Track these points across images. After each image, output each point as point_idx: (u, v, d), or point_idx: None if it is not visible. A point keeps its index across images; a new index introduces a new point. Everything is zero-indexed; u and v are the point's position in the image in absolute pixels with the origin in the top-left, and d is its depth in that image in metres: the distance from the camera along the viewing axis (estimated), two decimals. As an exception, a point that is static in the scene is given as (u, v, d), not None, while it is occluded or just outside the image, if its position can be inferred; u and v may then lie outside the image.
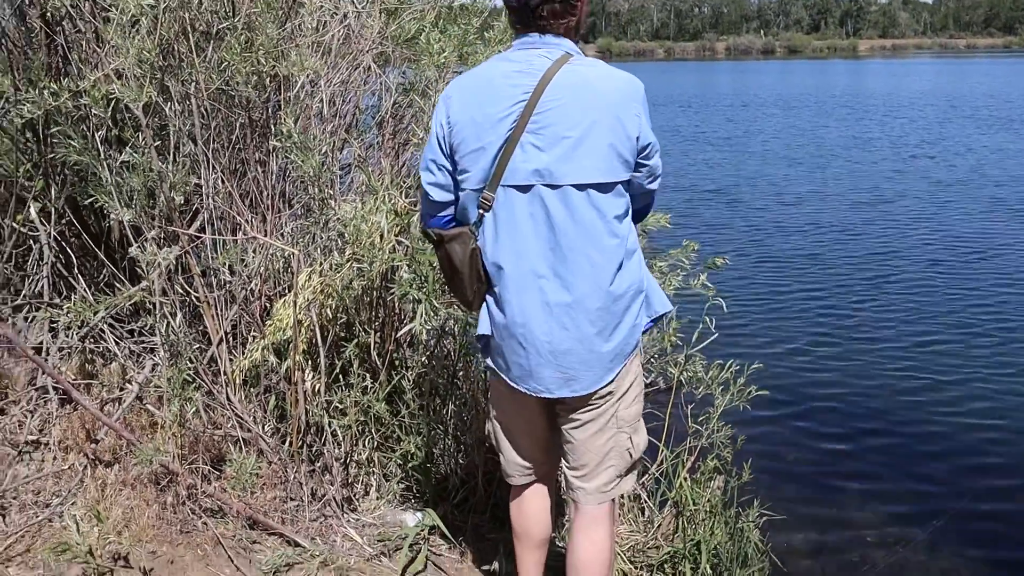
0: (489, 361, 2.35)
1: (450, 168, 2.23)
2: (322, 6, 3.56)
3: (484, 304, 2.30)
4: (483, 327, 2.30)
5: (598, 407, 2.31)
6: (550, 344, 2.20)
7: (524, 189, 2.15)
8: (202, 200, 3.31)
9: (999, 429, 4.87)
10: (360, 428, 3.14)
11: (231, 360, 3.19)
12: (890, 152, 15.61)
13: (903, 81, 36.57)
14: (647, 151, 2.22)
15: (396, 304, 3.17)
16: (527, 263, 2.18)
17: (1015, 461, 4.52)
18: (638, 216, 2.38)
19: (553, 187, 2.13)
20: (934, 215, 10.44)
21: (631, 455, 2.40)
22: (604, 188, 2.16)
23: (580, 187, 2.13)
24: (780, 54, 72.03)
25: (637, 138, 2.17)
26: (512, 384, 2.30)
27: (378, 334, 3.18)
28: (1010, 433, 4.82)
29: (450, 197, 2.26)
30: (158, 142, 3.25)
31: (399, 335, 3.17)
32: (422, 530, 3.03)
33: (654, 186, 2.34)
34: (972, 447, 4.72)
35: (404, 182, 3.36)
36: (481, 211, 2.21)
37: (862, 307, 7.04)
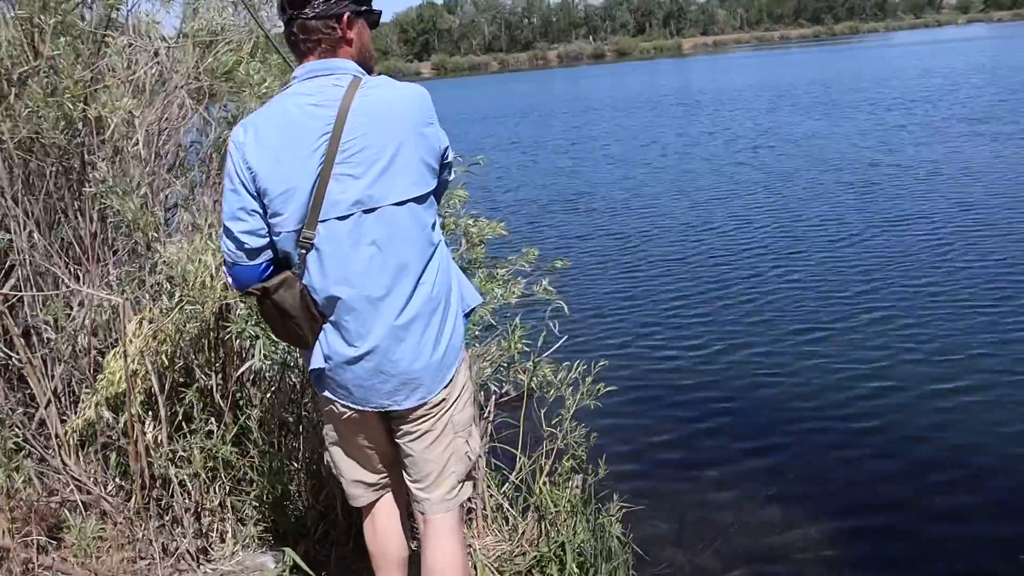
0: (327, 393, 2.32)
1: (261, 212, 2.16)
2: (130, 44, 3.45)
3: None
4: (316, 361, 2.26)
5: (435, 416, 2.33)
6: (395, 361, 2.21)
7: (343, 218, 2.14)
8: (16, 256, 3.14)
9: (834, 400, 5.15)
10: (209, 475, 3.04)
11: (63, 421, 3.04)
12: (724, 146, 16.22)
13: (728, 76, 38.31)
14: (446, 153, 2.30)
15: (233, 343, 3.09)
16: (361, 288, 2.17)
17: (854, 429, 4.80)
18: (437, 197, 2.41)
19: (372, 210, 2.15)
20: (768, 202, 10.91)
21: (469, 458, 2.44)
22: (420, 200, 2.21)
23: (399, 204, 2.16)
24: (610, 58, 74.29)
25: (439, 147, 2.26)
26: (355, 407, 2.29)
27: (219, 375, 3.09)
28: (844, 402, 5.11)
29: (265, 241, 2.20)
30: (-40, 198, 3.07)
31: (240, 373, 3.10)
32: (284, 571, 2.96)
33: (451, 177, 2.42)
34: (812, 418, 4.97)
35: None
36: (302, 251, 2.16)
37: (704, 298, 7.32)
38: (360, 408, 2.29)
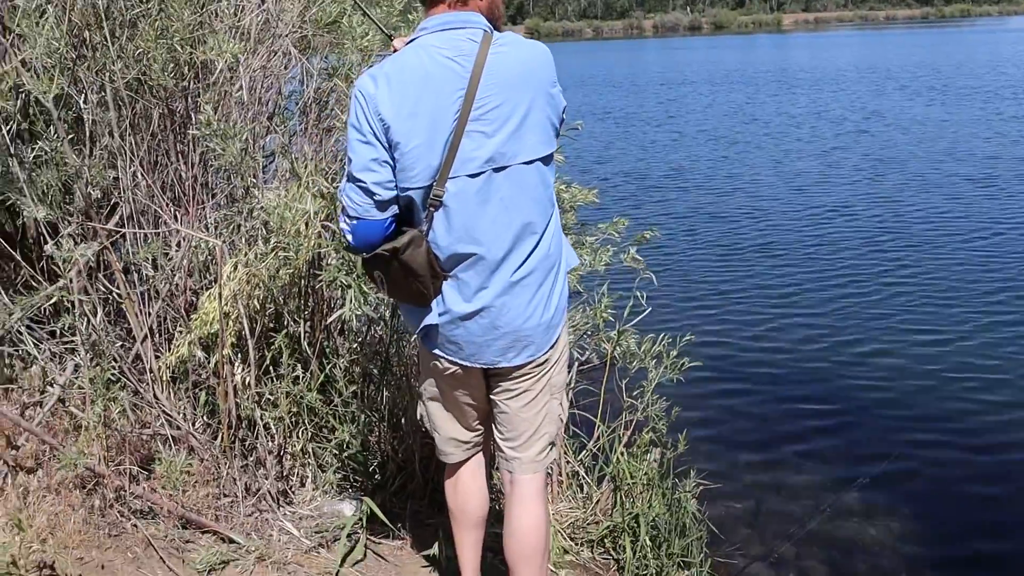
0: (436, 350, 2.30)
1: (392, 164, 2.13)
2: (239, -10, 3.48)
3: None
4: (430, 317, 2.24)
5: (536, 375, 2.33)
6: (510, 318, 2.21)
7: (474, 176, 2.13)
8: (121, 194, 3.22)
9: (930, 392, 5.00)
10: (293, 420, 3.09)
11: (157, 357, 3.12)
12: (826, 128, 15.60)
13: (830, 54, 37.11)
14: (564, 114, 2.29)
15: (324, 291, 3.12)
16: (485, 245, 2.16)
17: (945, 422, 4.65)
18: None
19: (503, 168, 2.14)
20: (870, 187, 10.53)
21: (561, 420, 2.46)
22: (546, 159, 2.21)
23: (528, 163, 2.16)
24: (706, 30, 72.64)
25: (561, 107, 2.26)
26: (463, 363, 2.29)
27: (308, 323, 3.13)
28: (941, 395, 4.95)
29: (394, 194, 2.16)
30: (72, 135, 3.15)
31: (329, 323, 3.13)
32: (360, 519, 3.00)
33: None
34: (903, 410, 4.84)
35: (329, 168, 3.32)
36: (431, 208, 2.14)
37: (794, 278, 7.16)
38: (468, 364, 2.29)
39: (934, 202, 9.56)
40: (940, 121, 15.55)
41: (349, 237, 2.21)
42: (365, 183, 2.13)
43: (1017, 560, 3.52)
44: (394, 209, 2.19)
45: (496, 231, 2.16)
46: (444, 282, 2.21)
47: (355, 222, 2.18)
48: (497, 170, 2.13)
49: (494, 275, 2.19)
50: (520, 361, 2.28)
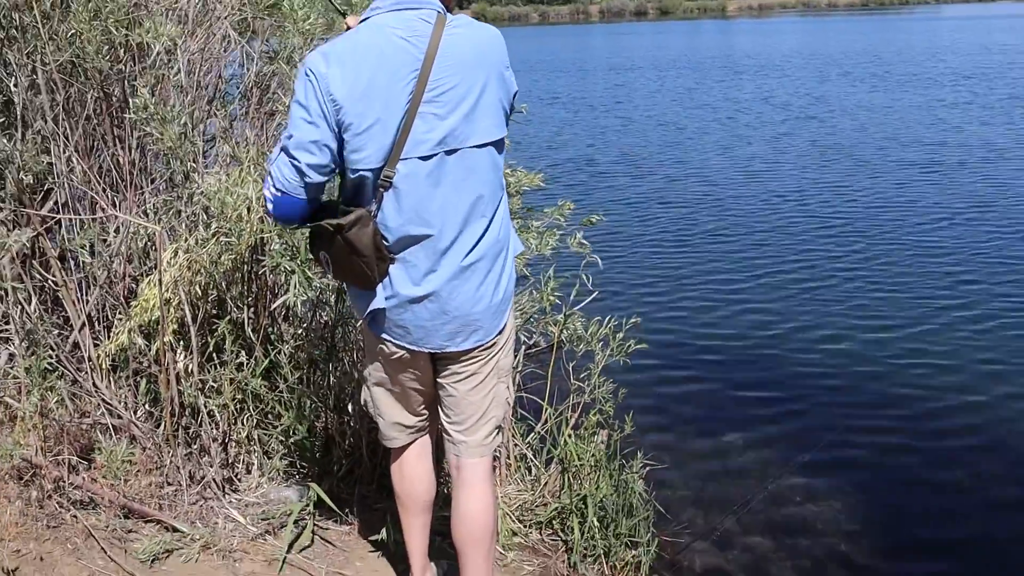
0: (383, 334, 2.29)
1: (335, 148, 2.10)
2: (176, -30, 3.41)
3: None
4: (377, 301, 2.22)
5: (483, 359, 2.33)
6: (459, 303, 2.21)
7: (425, 158, 2.11)
8: (55, 179, 3.14)
9: (875, 378, 5.09)
10: (237, 407, 3.06)
11: (96, 345, 3.06)
12: (772, 114, 15.69)
13: (774, 40, 37.46)
14: (515, 98, 2.28)
15: (268, 277, 3.09)
16: (435, 228, 2.15)
17: (889, 407, 4.74)
18: None
19: (454, 151, 2.13)
20: (818, 173, 10.58)
21: (508, 403, 2.46)
22: (497, 144, 2.21)
23: (480, 146, 2.15)
24: (652, 15, 72.74)
25: (512, 91, 2.26)
26: (410, 348, 2.28)
27: (251, 309, 3.10)
28: (886, 380, 5.04)
29: (325, 180, 2.15)
30: (3, 119, 3.07)
31: (273, 308, 3.10)
32: (307, 505, 2.98)
33: None
34: (848, 395, 4.91)
35: (271, 152, 3.27)
36: (381, 189, 2.12)
37: (743, 263, 7.23)
38: (415, 349, 2.28)
39: (881, 188, 9.66)
40: (884, 107, 15.73)
41: (270, 207, 2.18)
42: (299, 163, 2.10)
43: (956, 542, 3.59)
44: (318, 193, 2.17)
45: (446, 214, 2.15)
46: (391, 265, 2.19)
47: (279, 195, 2.15)
48: (449, 152, 2.12)
49: (443, 258, 2.18)
50: (468, 346, 2.28)
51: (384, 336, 2.29)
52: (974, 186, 9.52)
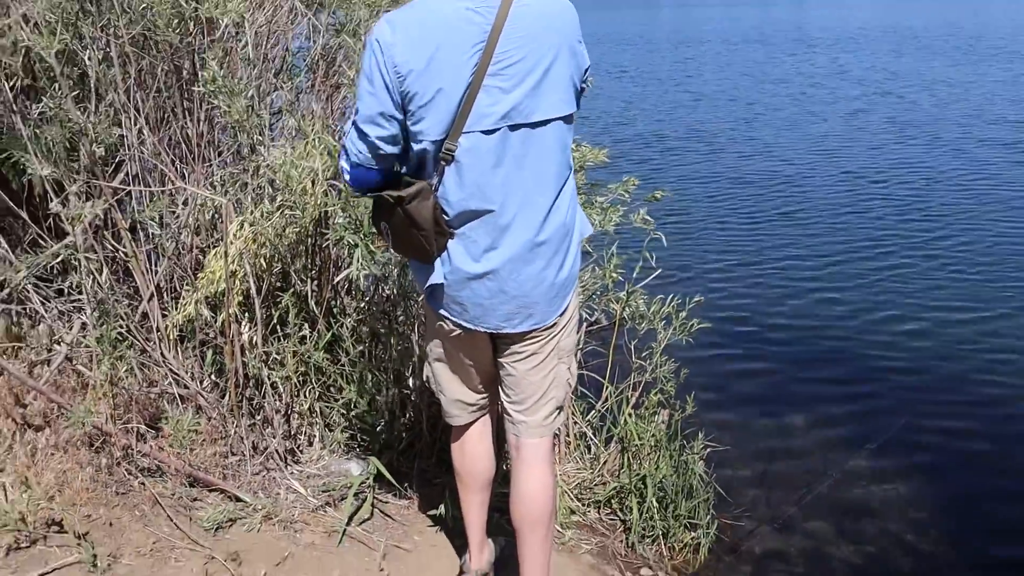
0: (441, 310, 2.27)
1: (401, 119, 2.08)
2: (243, -55, 3.42)
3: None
4: (436, 277, 2.20)
5: (543, 339, 2.29)
6: (519, 283, 2.18)
7: (490, 133, 2.06)
8: (126, 152, 3.19)
9: (947, 361, 4.95)
10: (300, 379, 3.09)
11: (164, 316, 3.12)
12: (848, 89, 15.15)
13: (848, 12, 36.38)
14: (587, 74, 2.21)
15: (331, 250, 3.10)
16: (497, 205, 2.12)
17: (954, 381, 4.63)
18: None
19: (519, 127, 2.08)
20: (894, 150, 10.24)
21: (570, 385, 2.43)
22: (566, 120, 2.15)
23: (545, 123, 2.10)
24: (723, -13, 71.51)
25: (584, 66, 2.19)
26: (468, 326, 2.26)
27: (314, 282, 3.12)
28: (958, 364, 4.90)
29: (397, 149, 2.13)
30: (76, 92, 3.12)
31: (336, 282, 3.11)
32: (367, 478, 3.01)
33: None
34: (913, 370, 4.81)
35: (336, 125, 3.28)
36: (443, 162, 2.09)
37: (811, 243, 7.06)
38: (472, 327, 2.26)
39: (962, 167, 9.25)
40: (965, 83, 15.06)
41: (347, 177, 2.20)
42: (369, 136, 2.09)
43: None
44: (393, 163, 2.17)
45: (508, 190, 2.11)
46: (450, 240, 2.16)
47: (355, 168, 2.16)
48: (513, 128, 2.07)
49: (505, 236, 2.14)
50: (524, 328, 2.25)
51: (442, 312, 2.27)
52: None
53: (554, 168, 2.14)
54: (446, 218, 2.14)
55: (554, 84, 2.08)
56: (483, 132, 2.06)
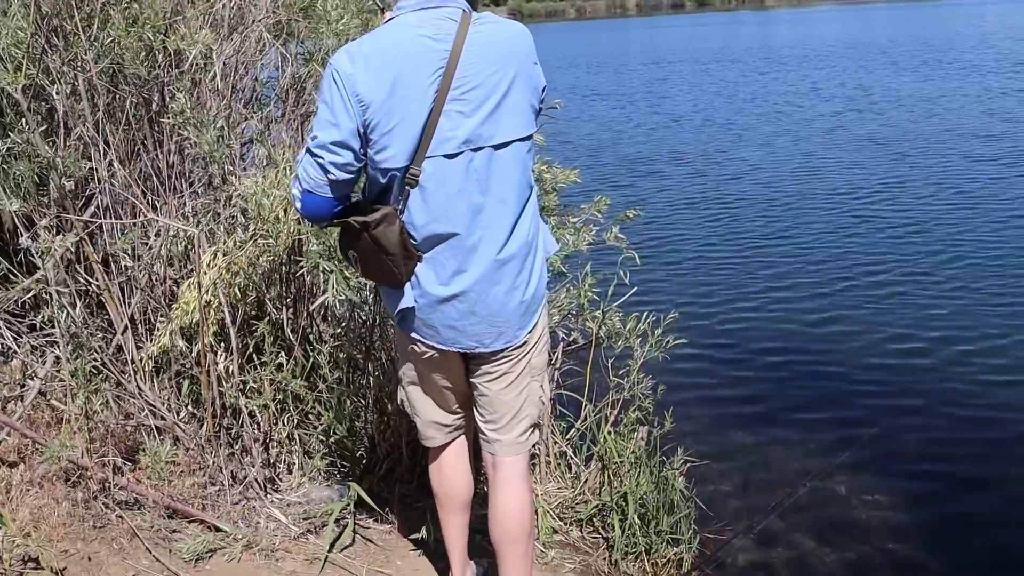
0: (414, 333, 2.29)
1: (358, 149, 2.11)
2: (210, -24, 3.44)
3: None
4: (406, 300, 2.22)
5: (514, 358, 2.31)
6: (487, 303, 2.20)
7: (451, 156, 2.10)
8: (97, 184, 3.19)
9: (917, 368, 5.01)
10: (278, 407, 3.08)
11: (139, 348, 3.10)
12: (818, 106, 15.21)
13: (814, 30, 36.78)
14: (543, 93, 2.25)
15: (306, 277, 3.11)
16: (462, 227, 2.14)
17: (928, 388, 4.69)
18: None
19: (479, 149, 2.11)
20: (867, 165, 10.30)
21: (543, 402, 2.44)
22: (524, 141, 2.18)
23: (505, 144, 2.13)
24: (690, 8, 72.05)
25: (541, 87, 2.22)
26: (440, 347, 2.27)
27: (290, 310, 3.12)
28: (929, 370, 4.97)
29: (351, 178, 2.17)
30: (45, 126, 3.12)
31: (312, 309, 3.11)
32: (348, 504, 3.00)
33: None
34: (887, 378, 4.86)
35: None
36: (407, 187, 2.12)
37: (783, 259, 7.12)
38: (444, 348, 2.27)
39: (938, 180, 9.31)
40: (937, 97, 15.15)
41: (298, 205, 2.21)
42: (324, 162, 2.11)
43: (1007, 542, 3.50)
44: (344, 191, 2.18)
45: (473, 213, 2.14)
46: (419, 264, 2.19)
47: (306, 193, 2.17)
48: (475, 150, 2.11)
49: (471, 258, 2.17)
50: (497, 347, 2.27)
51: (414, 335, 2.29)
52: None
53: (515, 188, 2.18)
54: (414, 242, 2.17)
55: (512, 107, 2.12)
56: (446, 156, 2.09)
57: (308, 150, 2.14)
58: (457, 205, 2.13)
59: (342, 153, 2.10)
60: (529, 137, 2.20)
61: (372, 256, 2.17)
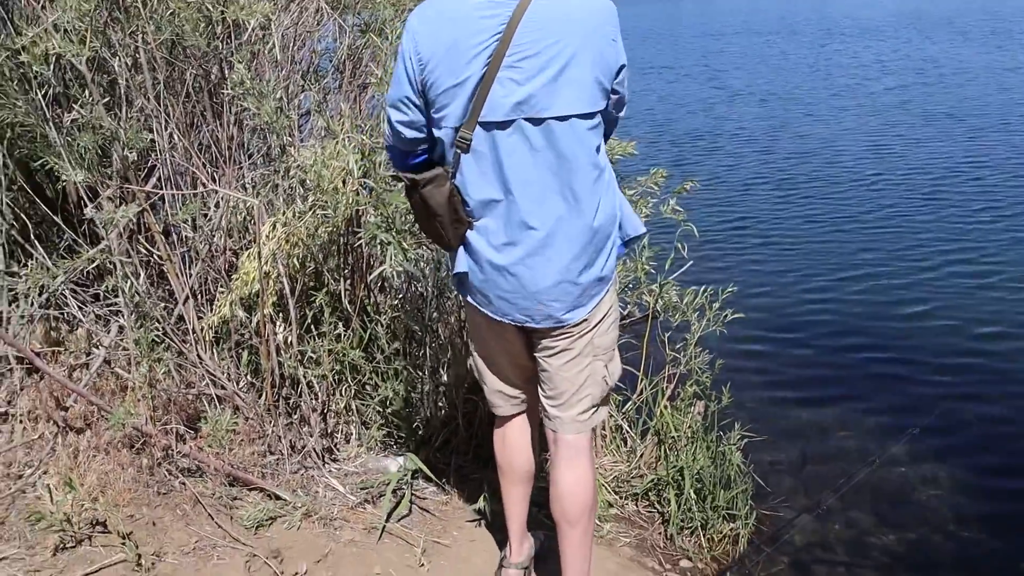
0: (469, 298, 2.30)
1: (421, 106, 2.14)
2: (267, -52, 3.44)
3: (462, 242, 2.24)
4: (460, 265, 2.24)
5: (574, 335, 2.28)
6: (535, 280, 2.17)
7: (505, 125, 2.08)
8: (158, 156, 3.22)
9: (983, 348, 4.90)
10: (336, 377, 3.10)
11: (199, 318, 3.14)
12: (880, 80, 14.69)
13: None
14: (620, 75, 2.17)
15: (364, 249, 3.11)
16: (513, 197, 2.12)
17: (992, 369, 4.59)
18: None
19: (535, 121, 2.07)
20: (936, 142, 9.97)
21: (607, 383, 2.38)
22: (585, 118, 2.11)
23: (562, 119, 2.08)
24: (745, -22, 70.64)
25: (616, 66, 2.15)
26: (493, 317, 2.27)
27: (348, 281, 3.13)
28: (995, 351, 4.86)
29: (422, 135, 2.19)
30: (107, 98, 3.16)
31: (370, 280, 3.12)
32: (405, 475, 3.01)
33: (622, 114, 2.31)
34: (951, 358, 4.76)
35: (365, 124, 3.29)
36: (458, 150, 2.12)
37: (846, 235, 6.96)
38: (498, 319, 2.26)
39: (1012, 159, 8.95)
40: (1009, 69, 14.55)
41: (386, 155, 2.34)
42: (391, 119, 2.20)
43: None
44: (423, 147, 2.24)
45: (525, 184, 2.11)
46: (472, 231, 2.18)
47: (388, 148, 2.31)
48: (531, 121, 2.07)
49: (522, 232, 2.13)
50: (545, 325, 2.23)
51: (470, 301, 2.30)
52: None
53: (575, 166, 2.12)
54: (467, 208, 2.16)
55: (572, 80, 2.07)
56: (498, 124, 2.08)
57: (387, 102, 2.23)
58: (510, 175, 2.10)
59: (405, 110, 2.16)
60: (592, 115, 2.12)
61: (422, 215, 2.22)
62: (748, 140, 10.82)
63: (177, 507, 2.80)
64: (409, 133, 2.19)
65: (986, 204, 7.42)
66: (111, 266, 3.03)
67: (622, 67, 2.16)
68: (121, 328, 3.11)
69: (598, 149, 2.17)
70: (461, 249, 2.23)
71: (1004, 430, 4.04)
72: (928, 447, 3.90)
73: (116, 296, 3.06)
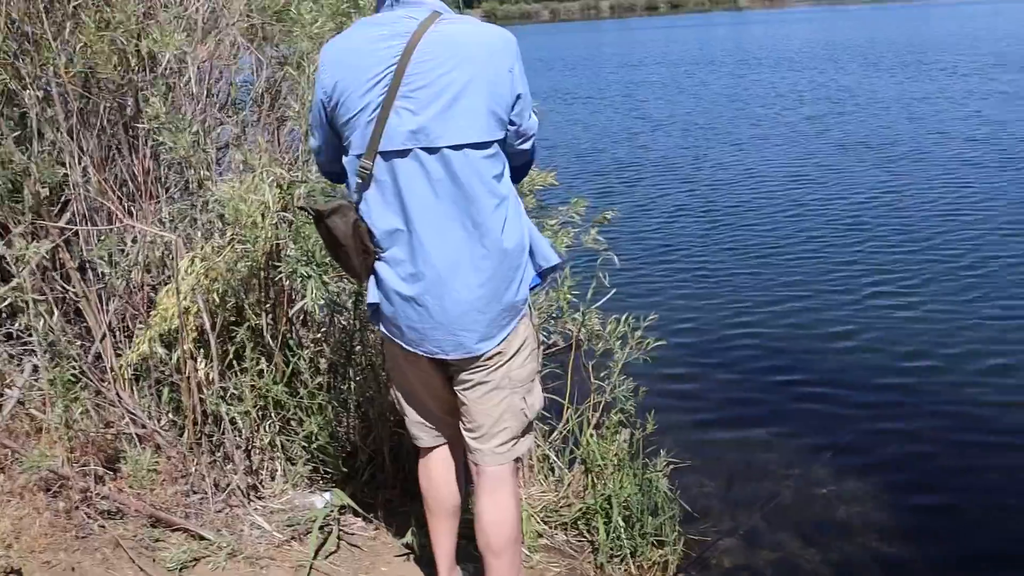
0: (382, 328, 2.31)
1: (331, 135, 2.24)
2: (183, -21, 3.41)
3: (372, 273, 2.25)
4: (372, 296, 2.27)
5: (489, 368, 2.27)
6: (443, 309, 2.17)
7: (403, 154, 2.11)
8: (72, 191, 3.16)
9: (895, 358, 5.07)
10: (259, 413, 3.06)
11: (117, 355, 3.07)
12: (797, 108, 15.16)
13: (790, 31, 36.81)
14: (516, 107, 2.18)
15: (285, 282, 3.08)
16: (414, 227, 2.14)
17: (910, 390, 4.71)
18: (515, 178, 2.32)
19: (431, 151, 2.10)
20: (850, 169, 10.24)
21: (526, 415, 2.37)
22: (480, 147, 2.13)
23: (457, 148, 2.10)
24: (663, 10, 72.00)
25: (511, 96, 2.16)
26: (407, 348, 2.27)
27: (269, 315, 3.09)
28: (905, 360, 5.03)
29: (339, 162, 2.25)
30: (18, 132, 3.08)
31: (291, 314, 3.09)
32: (332, 510, 2.98)
33: (525, 146, 2.30)
34: (869, 377, 4.89)
35: (283, 157, 3.27)
36: (359, 180, 2.16)
37: (760, 257, 7.15)
38: (411, 350, 2.26)
39: (918, 185, 9.26)
40: (918, 99, 15.03)
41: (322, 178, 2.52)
42: (310, 144, 2.35)
43: (991, 540, 3.51)
44: (336, 176, 2.35)
45: (425, 213, 2.13)
46: (380, 262, 2.20)
47: (326, 172, 2.42)
48: (427, 151, 2.10)
49: (426, 262, 2.15)
50: (456, 356, 2.23)
51: (384, 332, 2.31)
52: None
53: (473, 195, 2.13)
54: (374, 238, 2.19)
55: (465, 110, 2.09)
56: (397, 153, 2.11)
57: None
58: (410, 205, 2.13)
59: (313, 140, 2.31)
60: (488, 144, 2.13)
61: (330, 245, 2.26)
62: (671, 169, 11.01)
63: (96, 551, 2.72)
64: (320, 159, 2.33)
65: (901, 229, 7.67)
66: (24, 304, 2.94)
67: (518, 97, 2.17)
68: (35, 367, 3.03)
69: (498, 178, 2.17)
70: (372, 280, 2.25)
71: (921, 448, 4.16)
72: (849, 466, 3.99)
73: (30, 335, 2.98)
